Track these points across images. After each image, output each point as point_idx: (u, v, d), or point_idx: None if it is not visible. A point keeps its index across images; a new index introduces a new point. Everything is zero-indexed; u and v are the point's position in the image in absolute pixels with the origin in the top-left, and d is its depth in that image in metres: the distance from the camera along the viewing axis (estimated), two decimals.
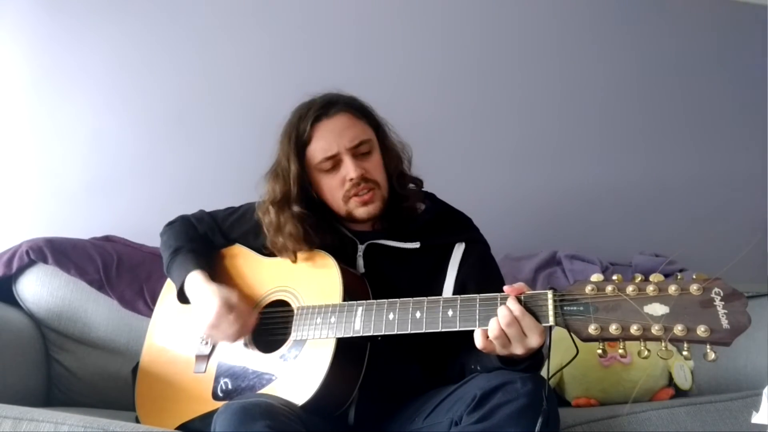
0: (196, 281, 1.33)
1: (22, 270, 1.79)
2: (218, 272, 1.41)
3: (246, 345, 1.30)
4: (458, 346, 1.26)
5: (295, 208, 1.31)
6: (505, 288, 1.07)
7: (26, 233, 1.86)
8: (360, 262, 1.33)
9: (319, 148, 1.31)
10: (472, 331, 1.07)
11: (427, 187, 1.45)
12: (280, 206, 1.32)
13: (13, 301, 1.78)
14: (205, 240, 1.47)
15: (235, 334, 1.27)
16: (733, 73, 2.49)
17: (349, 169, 1.29)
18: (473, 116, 2.30)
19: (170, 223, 1.51)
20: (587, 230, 2.28)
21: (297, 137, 1.32)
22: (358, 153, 1.31)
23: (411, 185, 1.40)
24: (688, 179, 2.41)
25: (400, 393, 1.28)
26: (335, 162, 1.31)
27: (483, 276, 1.32)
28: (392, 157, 1.37)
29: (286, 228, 1.30)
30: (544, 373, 1.07)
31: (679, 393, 1.72)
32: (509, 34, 2.35)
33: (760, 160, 2.43)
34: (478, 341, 1.06)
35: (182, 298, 1.37)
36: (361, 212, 1.32)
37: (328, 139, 1.30)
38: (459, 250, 1.34)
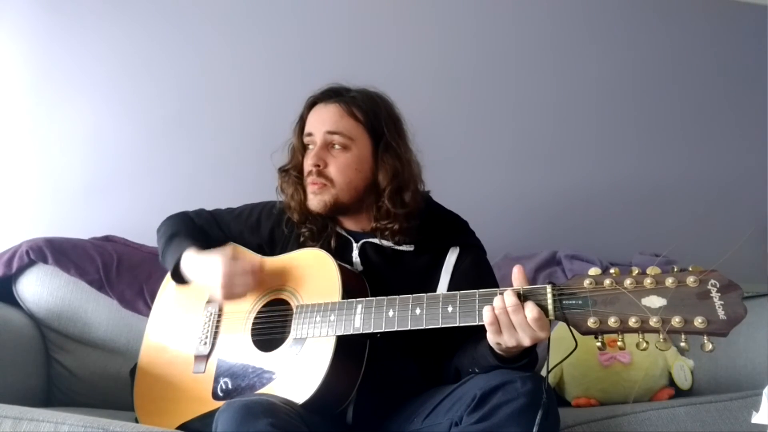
0: (191, 256, 1.33)
1: (22, 270, 1.79)
2: None
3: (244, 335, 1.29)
4: (454, 348, 1.26)
5: (294, 173, 1.40)
6: (513, 268, 1.06)
7: (26, 233, 1.86)
8: (356, 259, 1.34)
9: (306, 127, 1.38)
10: (470, 333, 1.06)
11: (425, 187, 1.43)
12: (285, 172, 1.42)
13: (13, 301, 1.78)
14: (203, 232, 1.47)
15: (252, 283, 1.28)
16: (733, 72, 2.49)
17: (310, 155, 1.34)
18: (472, 116, 2.30)
19: (168, 218, 1.52)
20: (587, 230, 2.28)
21: (301, 116, 1.41)
22: (330, 143, 1.34)
23: (408, 200, 1.34)
24: (688, 179, 2.41)
25: (398, 392, 1.28)
26: (312, 143, 1.36)
27: (477, 280, 1.28)
28: (386, 172, 1.33)
29: (289, 191, 1.38)
30: (544, 372, 1.07)
31: (679, 393, 1.72)
32: (506, 34, 2.35)
33: (760, 160, 2.43)
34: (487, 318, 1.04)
35: (178, 279, 1.37)
36: (310, 199, 1.35)
37: (313, 120, 1.37)
38: (453, 254, 1.34)
